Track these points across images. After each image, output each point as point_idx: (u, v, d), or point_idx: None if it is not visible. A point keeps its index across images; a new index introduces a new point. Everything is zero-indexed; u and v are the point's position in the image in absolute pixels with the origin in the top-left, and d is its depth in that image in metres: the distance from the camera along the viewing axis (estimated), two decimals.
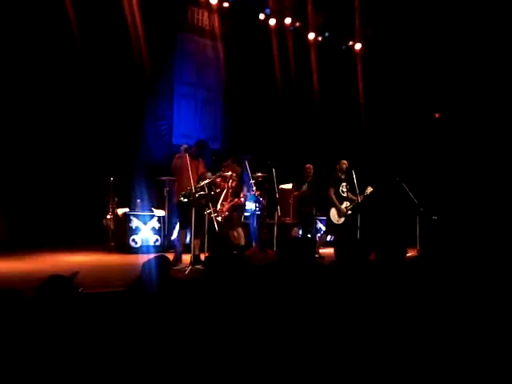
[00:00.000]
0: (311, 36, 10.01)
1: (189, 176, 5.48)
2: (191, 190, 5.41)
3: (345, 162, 6.99)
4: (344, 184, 6.86)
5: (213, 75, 9.78)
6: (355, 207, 6.83)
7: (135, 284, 2.72)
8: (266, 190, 8.05)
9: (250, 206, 7.69)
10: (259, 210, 7.73)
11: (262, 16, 9.42)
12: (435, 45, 9.51)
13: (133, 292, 2.63)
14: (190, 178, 5.48)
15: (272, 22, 9.57)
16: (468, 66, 9.60)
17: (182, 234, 5.97)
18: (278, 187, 7.41)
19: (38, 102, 7.01)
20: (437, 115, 10.49)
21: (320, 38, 10.12)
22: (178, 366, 2.02)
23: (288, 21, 9.71)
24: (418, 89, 10.05)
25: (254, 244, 6.64)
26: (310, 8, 9.44)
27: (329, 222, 6.97)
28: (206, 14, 9.45)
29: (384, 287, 2.68)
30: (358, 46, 10.49)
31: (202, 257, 5.58)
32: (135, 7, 7.81)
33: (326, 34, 10.08)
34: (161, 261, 2.95)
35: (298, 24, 9.79)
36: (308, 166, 7.40)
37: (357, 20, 9.58)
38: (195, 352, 2.06)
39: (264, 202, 7.92)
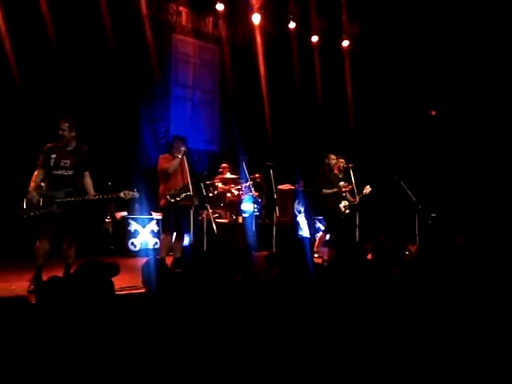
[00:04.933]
0: (306, 36, 10.01)
1: (181, 178, 5.39)
2: (179, 189, 5.30)
3: (333, 156, 6.81)
4: (341, 183, 6.84)
5: (209, 77, 9.80)
6: (353, 206, 6.82)
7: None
8: (263, 190, 8.07)
9: (249, 207, 7.70)
10: (258, 211, 7.74)
11: (256, 17, 9.43)
12: (430, 40, 9.52)
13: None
14: (180, 181, 5.38)
15: (266, 22, 9.58)
16: (463, 63, 9.62)
17: (166, 238, 5.61)
18: (275, 188, 7.41)
19: (35, 108, 6.97)
20: (433, 113, 10.51)
21: (315, 39, 10.12)
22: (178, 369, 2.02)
23: (282, 21, 9.72)
24: (415, 86, 10.06)
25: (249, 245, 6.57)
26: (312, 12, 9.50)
27: (332, 219, 6.83)
28: (200, 16, 9.47)
29: (383, 287, 2.67)
30: (345, 43, 10.47)
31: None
32: (129, 9, 7.82)
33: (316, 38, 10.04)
34: (158, 262, 2.96)
35: (293, 25, 9.78)
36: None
37: (344, 15, 9.59)
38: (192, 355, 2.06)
39: (262, 202, 7.94)
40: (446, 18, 9.24)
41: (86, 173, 4.54)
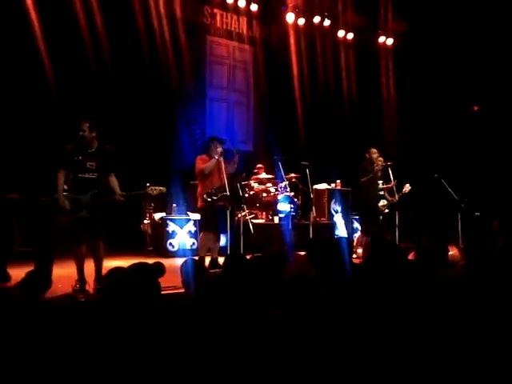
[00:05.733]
0: (341, 34, 9.93)
1: (218, 179, 5.47)
2: (216, 189, 5.38)
3: (375, 150, 6.71)
4: (380, 181, 6.71)
5: (243, 78, 9.82)
6: (392, 206, 6.66)
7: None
8: (300, 190, 8.01)
9: (285, 207, 7.65)
10: (294, 211, 7.68)
11: (290, 17, 9.39)
12: (472, 32, 9.20)
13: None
14: (217, 181, 5.47)
15: (301, 21, 9.54)
16: (507, 56, 9.23)
17: (204, 239, 5.71)
18: (312, 188, 7.33)
19: (71, 112, 7.16)
20: (476, 108, 10.13)
21: (351, 36, 10.01)
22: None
23: (317, 20, 9.67)
24: (456, 81, 9.74)
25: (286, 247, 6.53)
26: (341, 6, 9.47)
27: (370, 217, 6.72)
28: (234, 17, 9.50)
29: (430, 289, 2.57)
30: (389, 42, 10.35)
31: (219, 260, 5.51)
32: (163, 14, 7.94)
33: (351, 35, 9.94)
34: (196, 263, 2.98)
35: (327, 23, 9.72)
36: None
37: (382, 11, 9.49)
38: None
39: (298, 202, 7.88)
40: (486, 9, 8.91)
41: (111, 174, 4.47)
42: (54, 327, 2.05)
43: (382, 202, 6.68)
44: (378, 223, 6.53)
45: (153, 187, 4.55)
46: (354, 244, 6.82)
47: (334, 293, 2.66)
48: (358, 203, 7.01)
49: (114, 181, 4.47)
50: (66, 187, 4.41)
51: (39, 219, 6.02)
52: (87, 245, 4.44)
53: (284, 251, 3.80)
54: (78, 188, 4.35)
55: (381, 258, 3.21)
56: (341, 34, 9.93)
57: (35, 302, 2.45)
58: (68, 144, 4.44)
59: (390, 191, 6.71)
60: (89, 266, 4.45)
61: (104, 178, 4.43)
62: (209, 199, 5.38)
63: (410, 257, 3.59)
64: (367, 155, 6.66)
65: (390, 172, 6.67)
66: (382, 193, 6.70)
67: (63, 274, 4.65)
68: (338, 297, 2.59)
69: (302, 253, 4.82)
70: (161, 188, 4.59)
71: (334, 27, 9.87)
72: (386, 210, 6.65)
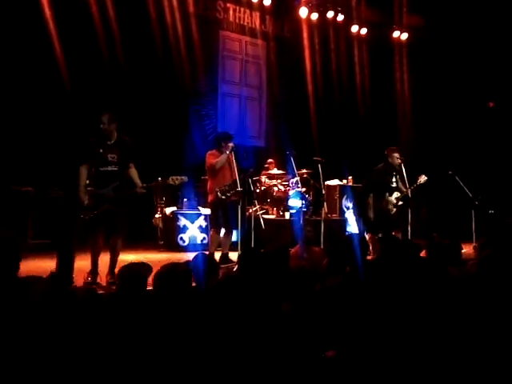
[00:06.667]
0: (355, 29, 9.84)
1: (230, 174, 5.45)
2: (229, 185, 5.35)
3: (397, 155, 6.58)
4: (394, 173, 6.61)
5: (256, 73, 9.79)
6: (405, 198, 6.55)
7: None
8: (311, 186, 7.97)
9: (296, 203, 7.62)
10: (305, 207, 7.65)
11: (303, 11, 9.33)
12: (487, 28, 9.05)
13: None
14: (229, 177, 5.45)
15: (314, 16, 9.47)
16: None
17: (214, 234, 5.72)
18: (323, 183, 7.30)
19: (85, 108, 7.20)
20: (491, 104, 9.98)
21: (364, 31, 9.91)
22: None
23: (330, 14, 9.60)
24: (471, 77, 9.60)
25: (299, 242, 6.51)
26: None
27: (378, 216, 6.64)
28: (247, 11, 9.47)
29: (441, 287, 2.54)
30: (404, 36, 10.22)
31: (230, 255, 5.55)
32: (176, 8, 7.93)
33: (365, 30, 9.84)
34: (207, 258, 2.97)
35: (341, 18, 9.64)
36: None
37: (404, 8, 9.39)
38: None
39: (310, 198, 7.85)
40: (503, 4, 8.75)
41: (131, 164, 4.43)
42: (80, 319, 2.08)
43: (396, 194, 6.59)
44: (385, 222, 6.43)
45: (174, 177, 4.46)
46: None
47: (344, 289, 2.64)
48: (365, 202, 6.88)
49: (134, 172, 4.43)
50: (87, 182, 4.39)
51: (60, 214, 6.07)
52: (105, 238, 4.40)
53: (286, 247, 3.78)
54: (100, 182, 4.33)
55: (391, 256, 3.19)
56: (354, 28, 9.85)
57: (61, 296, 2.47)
58: (86, 138, 4.44)
59: (402, 181, 6.59)
60: (101, 259, 4.46)
61: (125, 169, 4.40)
62: (223, 196, 5.34)
63: (422, 254, 3.55)
64: (389, 160, 6.41)
65: (403, 167, 6.58)
66: (395, 185, 6.60)
67: (77, 266, 4.68)
68: (349, 293, 2.58)
69: (316, 248, 4.82)
70: (182, 177, 4.50)
71: (348, 22, 9.78)
72: (400, 202, 6.52)
